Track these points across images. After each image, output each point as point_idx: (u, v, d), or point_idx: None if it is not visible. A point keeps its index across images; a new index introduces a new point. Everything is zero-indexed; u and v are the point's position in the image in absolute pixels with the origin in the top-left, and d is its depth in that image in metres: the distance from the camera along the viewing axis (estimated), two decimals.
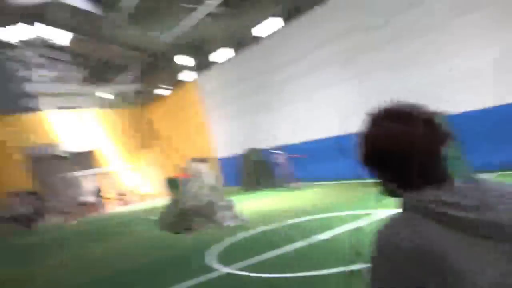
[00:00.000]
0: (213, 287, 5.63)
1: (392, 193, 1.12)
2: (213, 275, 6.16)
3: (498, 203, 0.99)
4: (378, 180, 1.14)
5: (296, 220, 9.50)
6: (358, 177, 14.12)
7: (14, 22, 24.31)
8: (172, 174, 25.76)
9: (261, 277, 5.65)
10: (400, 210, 1.08)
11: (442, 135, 1.08)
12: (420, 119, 1.07)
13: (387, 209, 8.62)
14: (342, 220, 8.41)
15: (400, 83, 13.32)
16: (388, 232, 1.06)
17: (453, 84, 11.96)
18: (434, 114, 1.11)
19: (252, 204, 13.68)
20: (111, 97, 28.15)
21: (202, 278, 6.05)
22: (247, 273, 5.92)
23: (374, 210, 8.81)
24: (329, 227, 7.92)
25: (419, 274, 0.97)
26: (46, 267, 9.30)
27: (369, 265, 1.06)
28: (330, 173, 16.40)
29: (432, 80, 12.52)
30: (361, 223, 7.93)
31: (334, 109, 16.32)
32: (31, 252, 12.24)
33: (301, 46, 17.56)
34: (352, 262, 5.46)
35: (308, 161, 16.86)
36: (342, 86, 16.10)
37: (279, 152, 15.83)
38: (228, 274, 6.07)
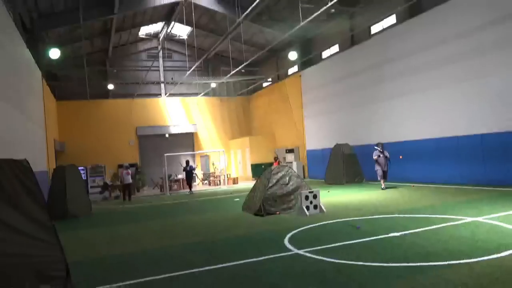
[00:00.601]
0: (286, 264, 6.24)
1: None
2: (287, 254, 6.81)
3: None
4: None
5: (374, 216, 9.71)
6: (456, 182, 13.94)
7: (154, 21, 27.60)
8: (261, 161, 27.01)
9: (329, 261, 6.15)
10: None
11: None
12: None
13: (478, 216, 8.44)
14: (417, 222, 8.47)
15: None
16: None
17: None
18: None
19: (334, 197, 14.03)
20: (214, 85, 30.22)
21: (277, 255, 6.73)
22: (317, 256, 6.45)
23: (462, 216, 8.70)
24: (404, 227, 8.06)
25: None
26: (147, 229, 10.79)
27: None
28: (426, 176, 16.16)
29: None
30: (436, 226, 7.94)
31: (437, 111, 15.92)
32: (136, 215, 14.09)
33: (409, 46, 17.24)
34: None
35: (403, 161, 16.64)
36: (445, 89, 15.59)
37: (378, 149, 15.56)
38: (300, 255, 6.66)
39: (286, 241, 7.73)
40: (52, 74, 25.48)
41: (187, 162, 23.18)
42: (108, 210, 16.90)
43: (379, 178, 15.70)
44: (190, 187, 22.47)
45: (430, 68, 16.19)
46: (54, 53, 18.81)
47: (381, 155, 15.44)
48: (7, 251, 5.24)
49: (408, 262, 5.72)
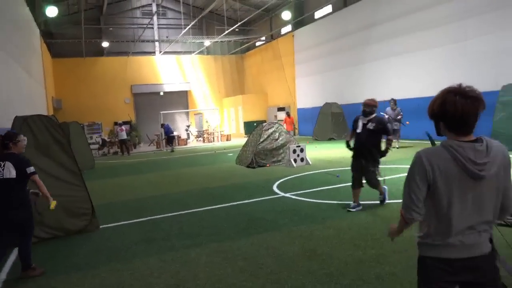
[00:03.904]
0: (272, 203, 7.46)
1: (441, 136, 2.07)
2: (274, 196, 8.05)
3: (480, 161, 1.86)
4: (437, 128, 2.03)
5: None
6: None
7: None
8: (253, 119, 28.04)
9: (308, 200, 7.40)
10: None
11: (478, 106, 1.86)
12: (469, 95, 1.86)
13: None
14: (391, 171, 9.72)
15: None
16: (426, 151, 1.97)
17: None
18: (477, 92, 1.88)
19: (320, 152, 15.23)
20: (208, 44, 30.54)
21: (266, 198, 7.96)
22: (299, 198, 7.70)
23: None
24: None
25: (429, 175, 1.92)
26: (149, 180, 11.94)
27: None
28: (408, 133, 16.92)
29: None
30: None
31: (421, 72, 16.82)
32: (137, 168, 15.21)
33: (397, 9, 18.00)
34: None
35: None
36: (429, 51, 16.47)
37: (389, 108, 14.94)
38: (286, 197, 7.89)
39: (274, 187, 8.95)
40: (47, 32, 25.70)
41: (162, 125, 23.00)
42: (109, 164, 17.99)
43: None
44: (170, 145, 22.69)
45: (416, 30, 17.06)
46: (51, 11, 19.14)
47: (386, 114, 14.57)
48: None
49: (376, 200, 6.95)
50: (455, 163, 1.90)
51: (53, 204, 4.92)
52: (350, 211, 6.48)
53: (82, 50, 28.29)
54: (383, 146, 6.51)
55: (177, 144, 26.14)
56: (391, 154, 12.79)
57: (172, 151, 22.08)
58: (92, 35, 28.89)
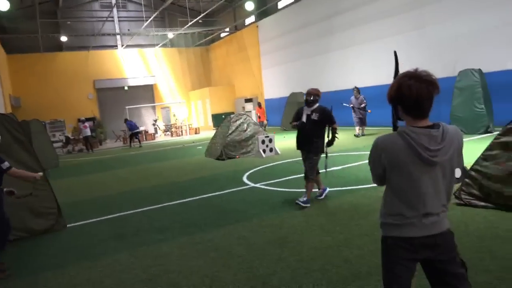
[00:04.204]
0: (243, 194, 7.52)
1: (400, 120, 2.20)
2: (245, 187, 8.10)
3: (433, 147, 1.94)
4: (395, 112, 2.09)
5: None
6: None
7: None
8: (221, 111, 27.94)
9: (278, 190, 7.51)
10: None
11: (433, 90, 1.93)
12: (423, 80, 1.93)
13: None
14: (355, 158, 9.98)
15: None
16: (382, 138, 2.07)
17: None
18: (432, 76, 1.95)
19: (288, 141, 15.40)
20: (172, 36, 29.99)
21: (237, 189, 8.00)
22: (269, 187, 7.80)
23: None
24: (344, 162, 9.52)
25: (384, 161, 2.05)
26: (118, 176, 11.73)
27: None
28: (372, 120, 17.30)
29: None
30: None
31: (382, 60, 17.17)
32: (105, 164, 14.89)
33: None
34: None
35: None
36: (390, 39, 16.95)
37: (353, 96, 15.26)
38: (256, 187, 7.96)
39: (244, 178, 9.00)
40: None
41: (125, 120, 22.59)
42: (75, 162, 17.52)
43: (354, 125, 15.40)
44: (137, 141, 22.55)
45: (378, 18, 17.48)
46: (3, 5, 18.17)
47: (350, 103, 15.07)
48: None
49: (342, 187, 7.14)
50: (409, 149, 1.98)
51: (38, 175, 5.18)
52: (318, 198, 6.59)
53: (39, 45, 27.13)
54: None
55: (144, 139, 25.73)
56: (358, 142, 13.25)
57: (140, 146, 21.80)
58: (49, 29, 27.72)
